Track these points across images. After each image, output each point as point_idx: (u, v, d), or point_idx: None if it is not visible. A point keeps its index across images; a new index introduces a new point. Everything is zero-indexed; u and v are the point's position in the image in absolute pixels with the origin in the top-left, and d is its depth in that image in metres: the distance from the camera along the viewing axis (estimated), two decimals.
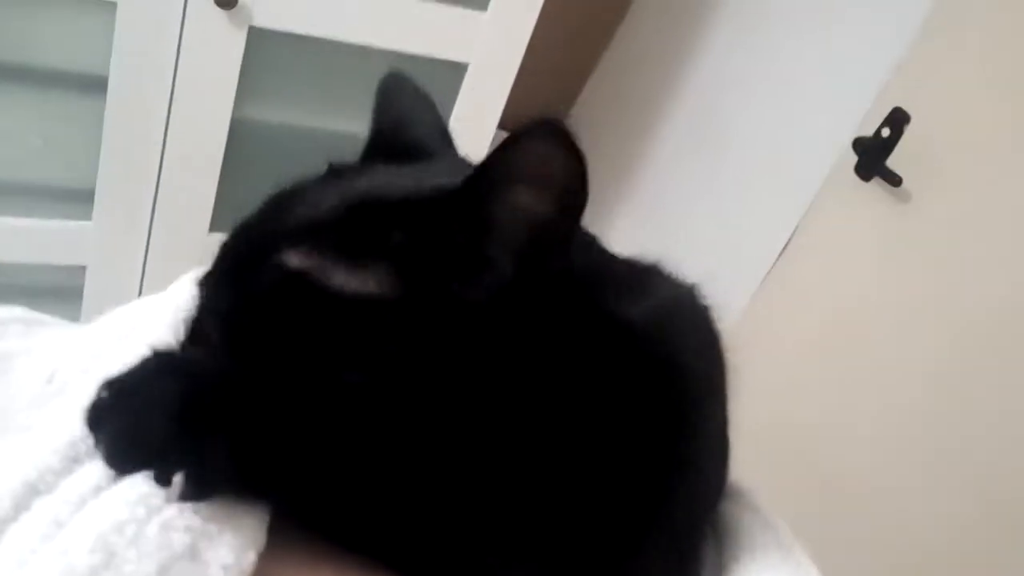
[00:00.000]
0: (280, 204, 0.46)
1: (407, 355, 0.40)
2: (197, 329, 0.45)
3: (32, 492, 0.35)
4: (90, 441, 0.36)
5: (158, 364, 0.39)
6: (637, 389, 0.44)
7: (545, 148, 0.38)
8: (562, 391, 0.42)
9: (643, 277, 0.53)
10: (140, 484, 0.34)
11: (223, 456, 0.35)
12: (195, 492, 0.35)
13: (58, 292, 1.61)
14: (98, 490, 0.35)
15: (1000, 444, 1.44)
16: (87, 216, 1.49)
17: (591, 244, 0.51)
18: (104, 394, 0.37)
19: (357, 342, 0.40)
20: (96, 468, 0.36)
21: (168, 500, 0.34)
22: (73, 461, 0.36)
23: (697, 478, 0.48)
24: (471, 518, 0.40)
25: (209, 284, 0.46)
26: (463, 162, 0.54)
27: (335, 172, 0.49)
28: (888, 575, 1.57)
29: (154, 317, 0.47)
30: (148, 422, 0.36)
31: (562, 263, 0.42)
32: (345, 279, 0.41)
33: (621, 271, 0.52)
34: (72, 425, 0.37)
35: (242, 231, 0.46)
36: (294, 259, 0.41)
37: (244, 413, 0.37)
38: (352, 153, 0.53)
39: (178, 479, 0.35)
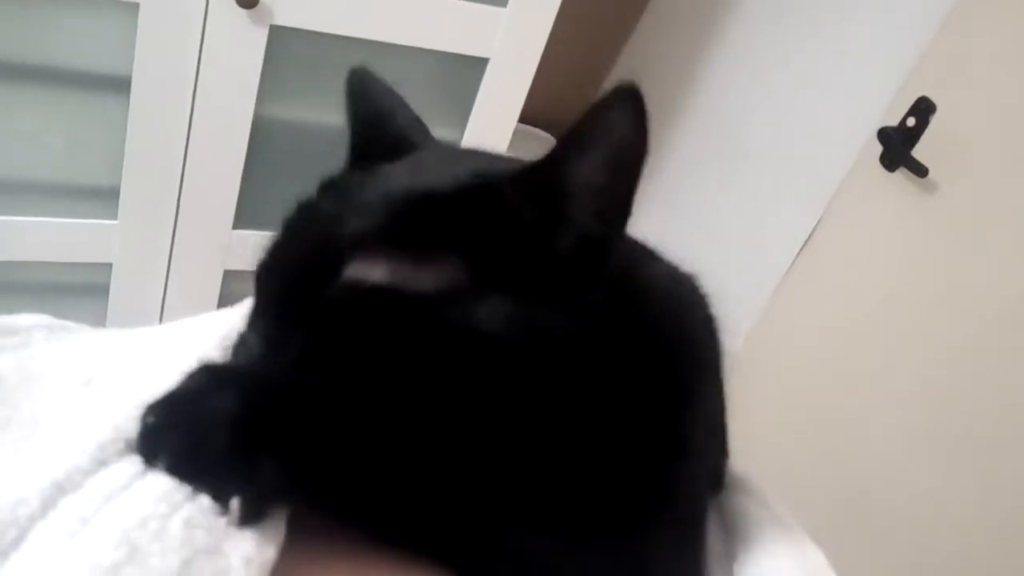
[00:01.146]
0: (315, 219, 0.45)
1: (495, 322, 0.41)
2: (245, 354, 0.45)
3: (60, 491, 0.35)
4: (124, 438, 0.37)
5: (211, 377, 0.38)
6: (644, 370, 0.45)
7: (622, 118, 0.40)
8: (596, 384, 0.43)
9: (645, 256, 0.55)
10: (164, 481, 0.35)
11: (282, 478, 0.35)
12: (252, 516, 0.35)
13: (84, 290, 1.63)
14: (123, 488, 0.35)
15: (1005, 435, 1.43)
16: (112, 215, 1.51)
17: None
18: (153, 418, 0.37)
19: (437, 341, 0.40)
20: (122, 467, 0.36)
21: (229, 524, 0.34)
22: (101, 463, 0.36)
23: (695, 458, 0.49)
24: (490, 496, 0.40)
25: (269, 302, 0.45)
26: (456, 147, 0.55)
27: (339, 181, 0.48)
28: (907, 568, 1.56)
29: (202, 336, 0.47)
30: (208, 438, 0.35)
31: (624, 227, 0.43)
32: (426, 278, 0.41)
33: (632, 252, 0.53)
34: (104, 428, 0.37)
35: (286, 254, 0.45)
36: (371, 271, 0.41)
37: (303, 429, 0.37)
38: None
39: (235, 504, 0.34)
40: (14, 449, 0.40)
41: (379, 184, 0.45)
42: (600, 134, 0.41)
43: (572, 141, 0.41)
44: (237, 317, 0.48)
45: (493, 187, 0.43)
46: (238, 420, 0.36)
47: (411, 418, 0.39)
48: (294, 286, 0.43)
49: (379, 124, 0.53)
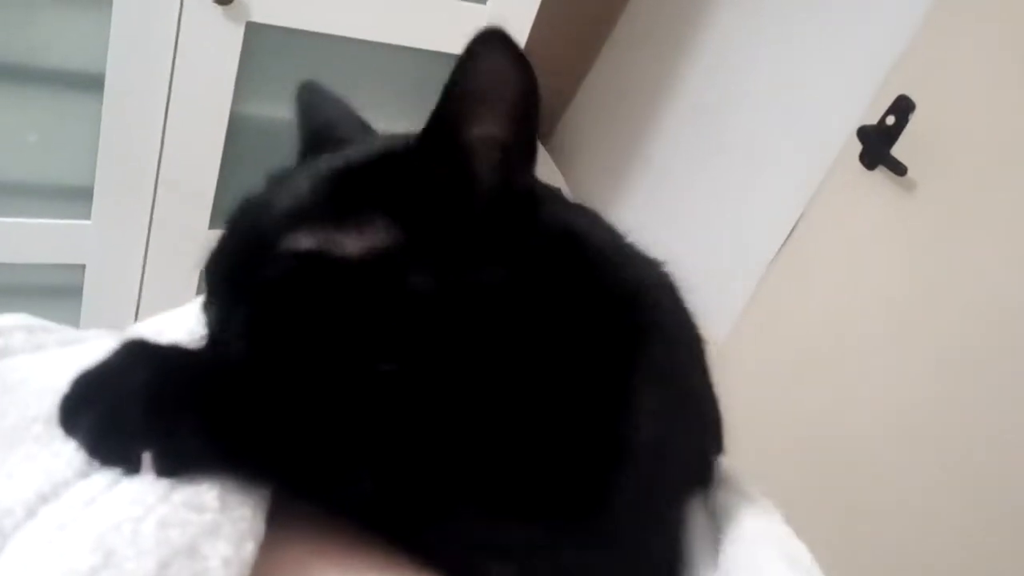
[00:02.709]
0: (253, 209, 0.47)
1: (427, 282, 0.42)
2: (212, 338, 0.47)
3: (43, 502, 0.35)
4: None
5: (130, 352, 0.39)
6: (609, 340, 0.45)
7: (493, 64, 0.42)
8: (542, 327, 0.44)
9: (625, 249, 0.55)
10: (136, 484, 0.35)
11: (191, 431, 0.36)
12: (165, 468, 0.36)
13: (58, 291, 1.61)
14: (101, 493, 0.35)
15: (1007, 433, 1.43)
16: (86, 215, 1.49)
17: (579, 210, 0.54)
18: (76, 388, 0.38)
19: (368, 303, 0.41)
20: (101, 476, 0.36)
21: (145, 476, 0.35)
22: (83, 474, 0.37)
23: (668, 443, 0.48)
24: (450, 471, 0.40)
25: (216, 291, 0.47)
26: (388, 135, 0.55)
27: (282, 174, 0.50)
28: (895, 568, 1.57)
29: (171, 332, 0.49)
30: (121, 411, 0.37)
31: (530, 170, 0.45)
32: (352, 242, 0.42)
33: (607, 241, 0.53)
34: None
35: (229, 243, 0.47)
36: (301, 241, 0.42)
37: (216, 390, 0.38)
38: None
39: (146, 457, 0.36)
40: (1, 457, 0.39)
41: (307, 169, 0.47)
42: (484, 88, 0.42)
43: (456, 99, 0.43)
44: (167, 322, 0.50)
45: (402, 151, 0.45)
46: (151, 388, 0.37)
47: (341, 383, 0.40)
48: (235, 270, 0.45)
49: (325, 131, 0.55)
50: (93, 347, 0.47)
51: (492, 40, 0.41)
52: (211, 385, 0.38)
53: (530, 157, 0.44)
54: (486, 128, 0.43)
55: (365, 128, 0.57)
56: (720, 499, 0.54)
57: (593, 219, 0.54)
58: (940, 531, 1.50)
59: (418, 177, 0.44)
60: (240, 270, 0.45)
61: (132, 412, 0.37)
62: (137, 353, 0.40)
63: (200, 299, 0.50)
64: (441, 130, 0.44)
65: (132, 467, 0.36)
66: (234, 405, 0.38)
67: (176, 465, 0.36)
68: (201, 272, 0.48)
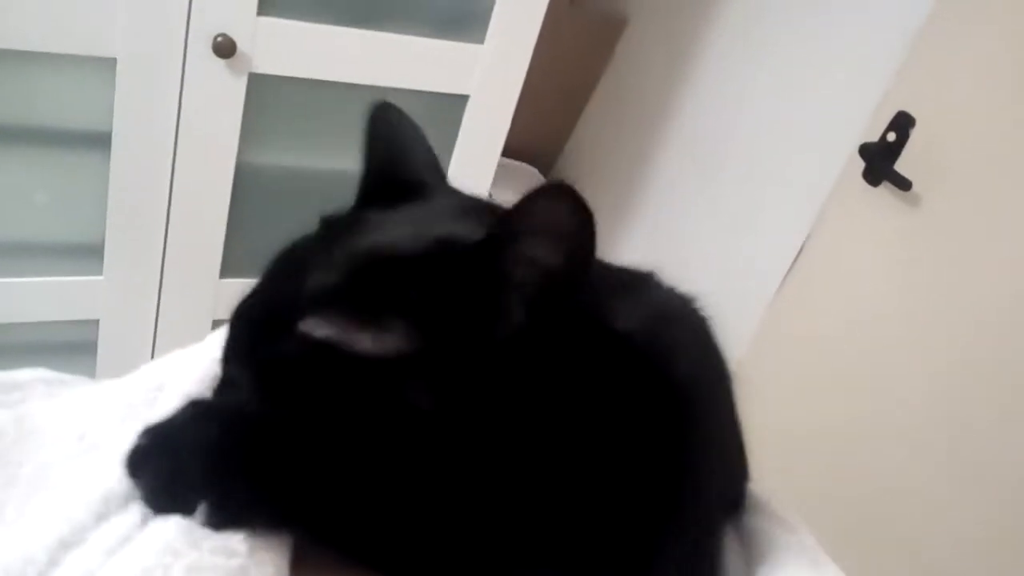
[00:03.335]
0: (289, 268, 0.47)
1: (427, 399, 0.41)
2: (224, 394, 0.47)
3: (65, 548, 0.36)
4: (124, 491, 0.39)
5: (196, 412, 0.42)
6: (637, 402, 0.45)
7: (555, 205, 0.40)
8: (569, 409, 0.43)
9: (639, 287, 0.54)
10: (166, 531, 0.36)
11: (244, 488, 0.38)
12: (217, 520, 0.37)
13: (72, 347, 1.61)
14: (126, 540, 0.36)
15: (1017, 438, 1.43)
16: (98, 271, 1.50)
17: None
18: (144, 441, 0.40)
19: (381, 394, 0.41)
20: (124, 520, 0.37)
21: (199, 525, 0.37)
22: (103, 516, 0.38)
23: (703, 484, 0.48)
24: (491, 534, 0.41)
25: (231, 357, 0.47)
26: (457, 198, 0.54)
27: (332, 224, 0.49)
28: (911, 572, 1.55)
29: (185, 371, 0.49)
30: (185, 465, 0.39)
31: (570, 305, 0.43)
32: (367, 341, 0.42)
33: (618, 281, 0.53)
34: (104, 480, 0.39)
35: (256, 301, 0.47)
36: (316, 328, 0.42)
37: (269, 452, 0.39)
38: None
39: (201, 508, 0.37)
40: (20, 506, 0.40)
41: (353, 238, 0.46)
42: (534, 222, 0.41)
43: (513, 231, 0.41)
44: (213, 352, 0.49)
45: (449, 256, 0.43)
46: (213, 448, 0.39)
47: (356, 459, 0.41)
48: (255, 335, 0.45)
49: (392, 165, 0.53)
50: (102, 390, 0.48)
51: (557, 189, 0.40)
52: (263, 448, 0.39)
53: (576, 289, 0.43)
54: (533, 258, 0.41)
55: (435, 166, 0.54)
56: (752, 524, 0.54)
57: (597, 275, 0.54)
58: (962, 535, 1.48)
59: (452, 293, 0.42)
60: (260, 337, 0.45)
61: (196, 467, 0.38)
62: (204, 412, 0.42)
63: (217, 338, 0.50)
64: (490, 256, 0.42)
65: (187, 511, 0.38)
66: (284, 469, 0.39)
67: (227, 518, 0.37)
68: (230, 318, 0.48)
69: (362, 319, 0.42)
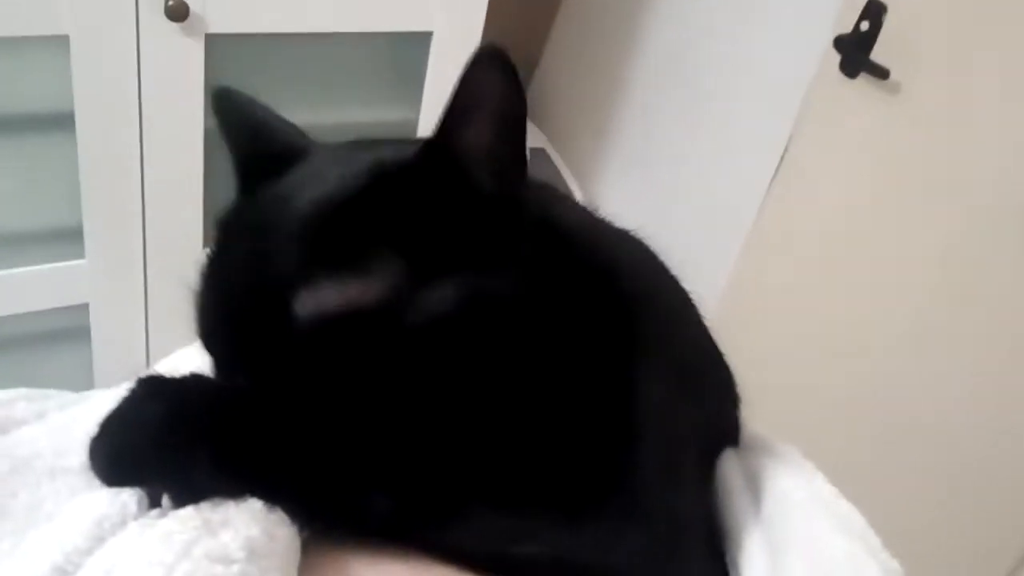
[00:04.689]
0: (245, 258, 0.44)
1: (444, 330, 0.41)
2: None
3: (60, 574, 0.35)
4: (118, 512, 0.37)
5: (144, 389, 0.40)
6: (605, 326, 0.46)
7: (486, 78, 0.42)
8: (542, 336, 0.44)
9: (602, 228, 0.56)
10: (154, 542, 0.35)
11: (205, 466, 0.37)
12: (182, 501, 0.37)
13: (66, 334, 1.60)
14: (121, 560, 0.35)
15: (1006, 331, 1.44)
16: (80, 254, 1.48)
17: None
18: (100, 427, 0.39)
19: (402, 343, 0.41)
20: (119, 541, 0.36)
21: (164, 513, 0.37)
22: (99, 540, 0.36)
23: (663, 402, 0.48)
24: (468, 472, 0.41)
25: (224, 366, 0.45)
26: (345, 144, 0.53)
27: (233, 220, 0.48)
28: (921, 467, 1.57)
29: (191, 363, 0.47)
30: (133, 443, 0.38)
31: (523, 176, 0.45)
32: (367, 290, 0.41)
33: (585, 224, 0.55)
34: (97, 503, 0.38)
35: (224, 300, 0.45)
36: (312, 302, 0.41)
37: (227, 421, 0.38)
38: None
39: (165, 501, 0.37)
40: (15, 539, 0.39)
41: (284, 209, 0.44)
42: (476, 101, 0.42)
43: (452, 114, 0.42)
44: (182, 359, 0.49)
45: (394, 175, 0.44)
46: (164, 421, 0.38)
47: (353, 407, 0.40)
48: (243, 343, 0.43)
49: (259, 138, 0.52)
50: (96, 406, 0.47)
51: (492, 58, 0.41)
52: (222, 416, 0.39)
53: (522, 164, 0.44)
54: (482, 142, 0.43)
55: (297, 130, 0.54)
56: (754, 462, 0.54)
57: (568, 205, 0.55)
58: (967, 434, 1.50)
59: (418, 197, 0.43)
60: (250, 344, 0.43)
61: (144, 445, 0.38)
62: (151, 389, 0.40)
63: (192, 353, 0.49)
64: (439, 145, 0.43)
65: (152, 502, 0.37)
66: (245, 435, 0.38)
67: (189, 497, 0.37)
68: (201, 343, 0.46)
69: (351, 270, 0.41)
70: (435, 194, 0.43)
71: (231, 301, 0.44)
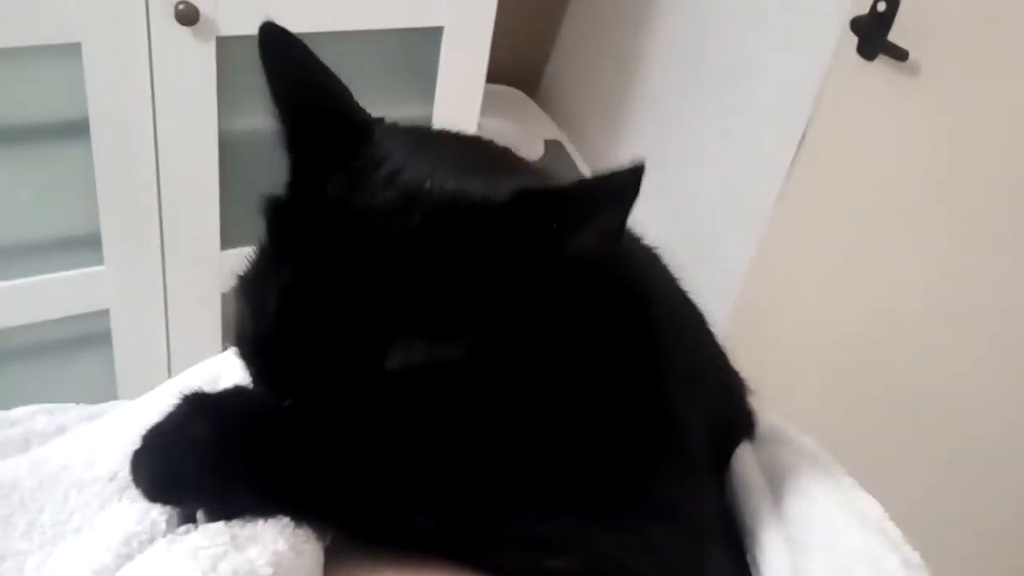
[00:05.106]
0: (335, 296, 0.41)
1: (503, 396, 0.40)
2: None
3: None
4: (146, 529, 0.38)
5: (189, 408, 0.40)
6: (617, 334, 0.45)
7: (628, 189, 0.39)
8: (571, 351, 0.43)
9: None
10: (184, 561, 0.34)
11: (250, 490, 0.37)
12: (220, 519, 0.37)
13: (87, 340, 1.60)
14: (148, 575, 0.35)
15: None
16: (98, 261, 1.48)
17: None
18: (142, 441, 0.40)
19: (471, 400, 0.40)
20: (147, 557, 0.36)
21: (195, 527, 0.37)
22: (127, 557, 0.37)
23: (682, 409, 0.48)
24: (504, 486, 0.40)
25: (281, 379, 0.42)
26: (411, 135, 0.49)
27: (295, 213, 0.44)
28: (947, 451, 1.56)
29: (229, 374, 0.48)
30: (179, 464, 0.38)
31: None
32: (457, 345, 0.39)
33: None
34: (125, 520, 0.38)
35: (304, 318, 0.41)
36: (405, 358, 0.39)
37: (272, 445, 0.38)
38: None
39: (200, 515, 0.38)
40: (43, 555, 0.38)
41: (380, 247, 0.40)
42: (606, 206, 0.40)
43: (576, 212, 0.40)
44: (219, 366, 0.49)
45: (476, 236, 0.40)
46: (210, 444, 0.38)
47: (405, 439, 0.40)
48: (315, 378, 0.40)
49: (315, 104, 0.47)
50: (123, 417, 0.46)
51: (636, 176, 0.39)
52: (268, 440, 0.38)
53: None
54: (590, 246, 0.40)
55: (350, 96, 0.50)
56: (773, 456, 0.53)
57: None
58: (992, 416, 1.48)
59: (515, 258, 0.40)
60: (322, 380, 0.40)
61: (190, 467, 0.38)
62: (195, 407, 0.40)
63: (220, 359, 0.49)
64: (549, 239, 0.40)
65: (185, 513, 0.38)
66: (290, 458, 0.38)
67: (229, 517, 0.37)
68: (251, 370, 0.44)
69: (444, 322, 0.39)
70: (520, 269, 0.40)
71: (310, 333, 0.40)
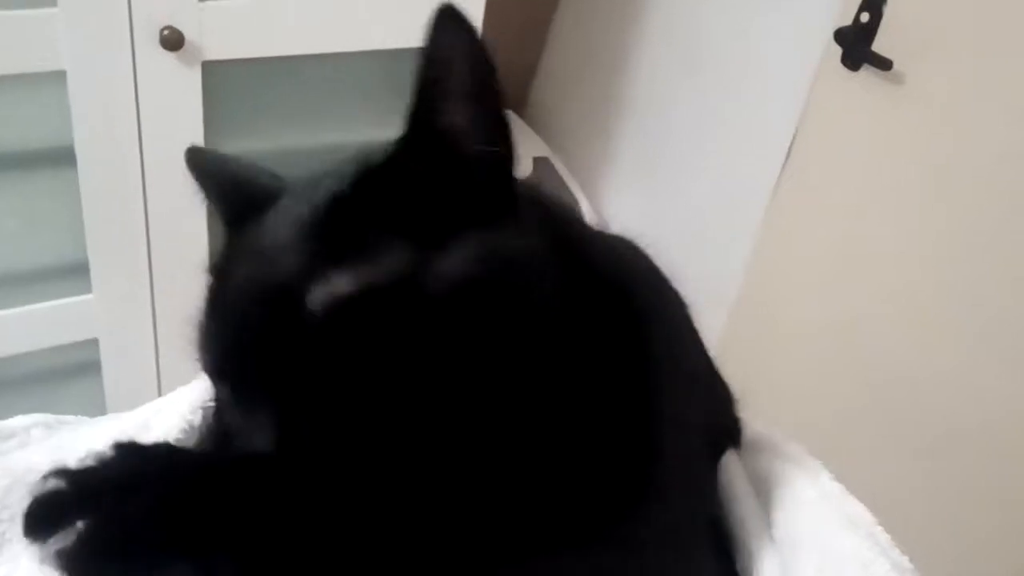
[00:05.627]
0: (247, 270, 0.43)
1: (472, 297, 0.40)
2: (221, 419, 0.44)
3: None
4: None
5: (133, 462, 0.36)
6: (605, 336, 0.45)
7: (445, 43, 0.42)
8: (552, 343, 0.42)
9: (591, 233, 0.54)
10: None
11: (226, 553, 0.33)
12: None
13: (77, 369, 1.59)
14: None
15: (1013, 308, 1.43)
16: (87, 289, 1.47)
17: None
18: (64, 485, 0.34)
19: (431, 313, 0.39)
20: None
21: None
22: None
23: (678, 413, 0.48)
24: (472, 531, 0.39)
25: (235, 385, 0.43)
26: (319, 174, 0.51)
27: (226, 260, 0.47)
28: (940, 453, 1.56)
29: (170, 409, 0.47)
30: (129, 529, 0.33)
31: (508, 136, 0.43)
32: (376, 270, 0.39)
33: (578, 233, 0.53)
34: None
35: (230, 313, 0.43)
36: (327, 290, 0.39)
37: (250, 518, 0.34)
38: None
39: None
40: (12, 567, 0.38)
41: (278, 223, 0.44)
42: (445, 70, 0.42)
43: (424, 89, 0.43)
44: (204, 387, 0.47)
45: (382, 165, 0.43)
46: (169, 510, 0.33)
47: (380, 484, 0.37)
48: (258, 357, 0.40)
49: (238, 188, 0.51)
50: (100, 426, 0.45)
51: (442, 20, 0.42)
52: (245, 513, 0.34)
53: (502, 121, 0.44)
54: (458, 110, 0.42)
55: (275, 176, 0.53)
56: (760, 463, 0.53)
57: (569, 215, 0.54)
58: (968, 417, 1.49)
59: (410, 178, 0.42)
60: (265, 356, 0.40)
61: (148, 535, 0.33)
62: (139, 461, 0.36)
63: (197, 391, 0.48)
64: (419, 125, 0.43)
65: None
66: (273, 537, 0.34)
67: None
68: (208, 374, 0.44)
69: (357, 256, 0.40)
70: (425, 171, 0.42)
71: (238, 321, 0.42)
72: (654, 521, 0.43)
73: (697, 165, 1.99)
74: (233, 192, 0.51)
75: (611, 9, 2.22)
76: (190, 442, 0.46)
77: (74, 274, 1.46)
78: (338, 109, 1.63)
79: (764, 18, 1.81)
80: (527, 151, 2.31)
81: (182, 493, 0.34)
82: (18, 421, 0.49)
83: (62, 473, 0.34)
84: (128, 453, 0.36)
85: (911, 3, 1.45)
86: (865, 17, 1.49)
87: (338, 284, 0.39)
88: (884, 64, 1.48)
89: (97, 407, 1.57)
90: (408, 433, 0.38)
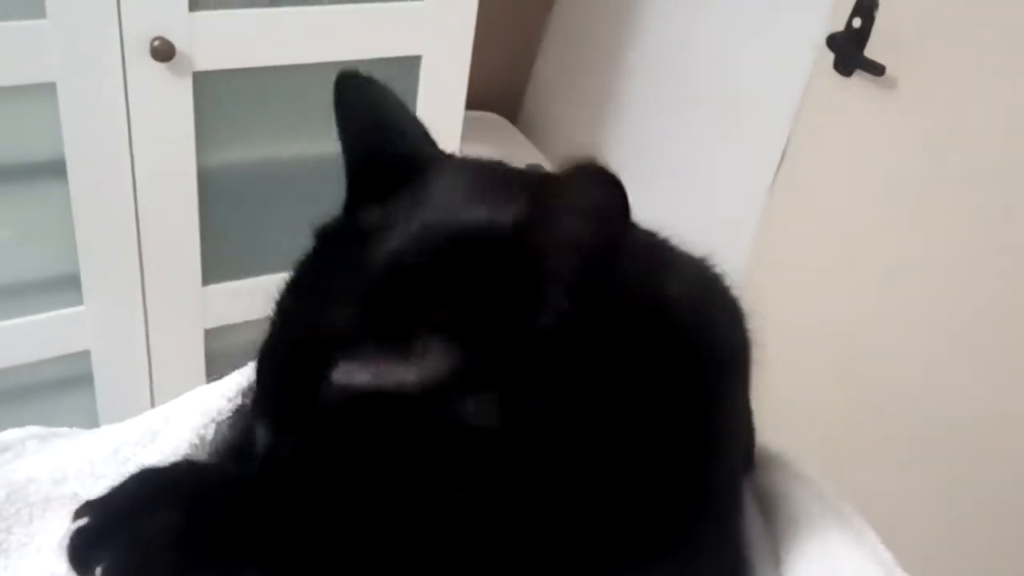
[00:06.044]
0: (301, 303, 0.42)
1: (491, 415, 0.37)
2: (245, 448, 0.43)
3: None
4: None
5: (150, 486, 0.37)
6: (679, 378, 0.44)
7: (586, 183, 0.36)
8: (619, 394, 0.40)
9: (664, 252, 0.53)
10: None
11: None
12: None
13: (69, 382, 1.58)
14: None
15: (1008, 313, 1.42)
16: (78, 301, 1.46)
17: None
18: (90, 522, 0.35)
19: (427, 437, 0.38)
20: None
21: None
22: None
23: (730, 457, 0.48)
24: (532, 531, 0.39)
25: (263, 413, 0.42)
26: (461, 170, 0.48)
27: (329, 237, 0.44)
28: (935, 463, 1.55)
29: (179, 419, 0.46)
30: (153, 556, 0.34)
31: (613, 289, 0.39)
32: (408, 374, 0.37)
33: (646, 248, 0.52)
34: (48, 563, 0.36)
35: (277, 348, 0.42)
36: (349, 376, 0.38)
37: (275, 536, 0.35)
38: (329, 176, 0.49)
39: None
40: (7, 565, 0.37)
41: (357, 252, 0.40)
42: (571, 204, 0.37)
43: (540, 221, 0.37)
44: (215, 397, 0.47)
45: (472, 252, 0.38)
46: (192, 533, 0.34)
47: (394, 510, 0.38)
48: (286, 385, 0.40)
49: (377, 142, 0.47)
50: (95, 437, 0.45)
51: (590, 175, 0.36)
52: (271, 533, 0.35)
53: (608, 292, 0.39)
54: (566, 245, 0.37)
55: (424, 135, 0.50)
56: (768, 481, 0.54)
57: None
58: (967, 421, 1.48)
59: (482, 293, 0.38)
60: (291, 387, 0.40)
61: (170, 560, 0.34)
62: (161, 486, 0.37)
63: (207, 400, 0.47)
64: (520, 247, 0.38)
65: None
66: (302, 547, 0.35)
67: None
68: (256, 362, 0.43)
69: (395, 351, 0.38)
70: (503, 294, 0.38)
71: (284, 338, 0.41)
72: (706, 542, 0.44)
73: (691, 171, 1.99)
74: (370, 148, 0.46)
75: (604, 16, 2.22)
76: (202, 454, 0.45)
77: (66, 286, 1.45)
78: (330, 119, 1.62)
79: (757, 25, 1.82)
80: (520, 158, 2.31)
81: (214, 509, 0.36)
82: (12, 434, 0.49)
83: (87, 507, 0.35)
84: (147, 479, 0.38)
85: (903, 8, 1.46)
86: (857, 22, 1.49)
87: (359, 375, 0.38)
88: (877, 69, 1.48)
89: (89, 419, 1.56)
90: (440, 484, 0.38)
